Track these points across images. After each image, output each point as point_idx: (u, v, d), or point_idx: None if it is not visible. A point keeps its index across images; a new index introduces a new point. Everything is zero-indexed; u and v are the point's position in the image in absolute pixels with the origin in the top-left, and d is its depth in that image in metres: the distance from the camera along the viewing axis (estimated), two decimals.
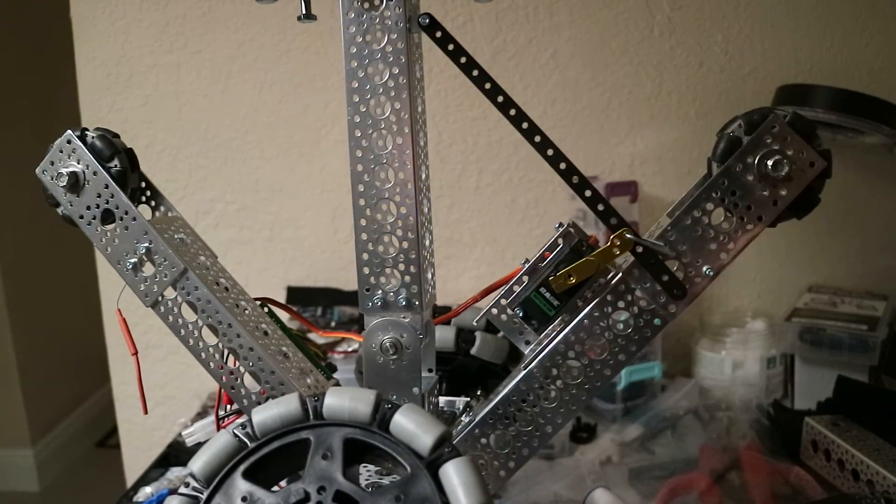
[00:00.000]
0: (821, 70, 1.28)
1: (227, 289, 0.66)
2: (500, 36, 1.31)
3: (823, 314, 1.17)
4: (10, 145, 2.55)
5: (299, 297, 1.38)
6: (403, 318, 0.61)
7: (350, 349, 1.08)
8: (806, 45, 1.28)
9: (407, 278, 0.60)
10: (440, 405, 0.69)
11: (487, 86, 0.57)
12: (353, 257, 0.61)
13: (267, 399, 0.62)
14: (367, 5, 0.57)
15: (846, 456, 0.89)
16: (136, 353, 0.67)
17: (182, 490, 0.49)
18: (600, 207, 0.57)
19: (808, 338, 1.12)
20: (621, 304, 0.58)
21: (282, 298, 1.38)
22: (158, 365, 1.45)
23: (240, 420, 0.64)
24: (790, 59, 1.28)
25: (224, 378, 0.63)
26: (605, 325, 0.58)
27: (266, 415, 0.50)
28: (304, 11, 0.65)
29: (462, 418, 0.65)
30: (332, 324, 1.32)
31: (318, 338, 0.93)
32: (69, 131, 0.64)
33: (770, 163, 0.55)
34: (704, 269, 0.57)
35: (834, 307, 1.20)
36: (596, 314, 0.58)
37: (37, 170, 0.64)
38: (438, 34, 0.57)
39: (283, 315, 0.71)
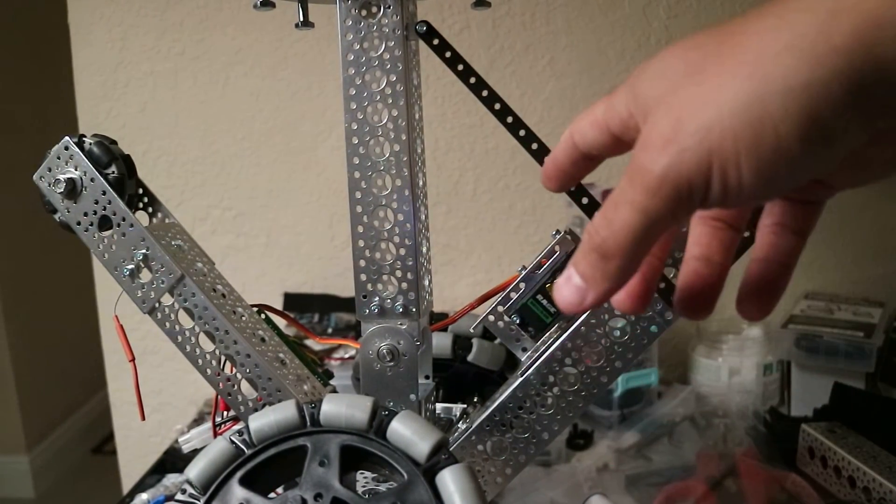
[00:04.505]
0: None
1: (224, 295, 0.66)
2: (498, 43, 1.32)
3: (820, 321, 1.17)
4: (6, 151, 2.55)
5: (296, 303, 1.38)
6: (400, 324, 0.61)
7: (347, 356, 1.08)
8: None
9: (404, 285, 0.60)
10: (437, 412, 0.69)
11: (484, 93, 0.57)
12: (350, 264, 0.61)
13: (264, 406, 0.62)
14: (364, 13, 0.57)
15: (843, 463, 0.89)
16: (133, 360, 0.67)
17: (179, 496, 0.50)
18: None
19: (805, 344, 1.12)
20: (618, 310, 0.58)
21: (279, 305, 1.38)
22: (155, 371, 1.45)
23: (236, 427, 0.64)
24: None
25: (221, 384, 0.63)
26: (602, 331, 0.58)
27: (263, 421, 0.50)
28: (301, 19, 0.65)
29: (459, 425, 0.65)
30: (329, 330, 1.32)
31: (314, 344, 0.93)
32: (66, 138, 0.64)
33: None
34: None
35: (830, 314, 1.20)
36: (592, 321, 0.58)
37: (34, 176, 0.64)
38: (436, 41, 0.58)
39: (280, 322, 0.71)
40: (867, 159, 0.36)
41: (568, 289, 0.38)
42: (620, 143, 0.40)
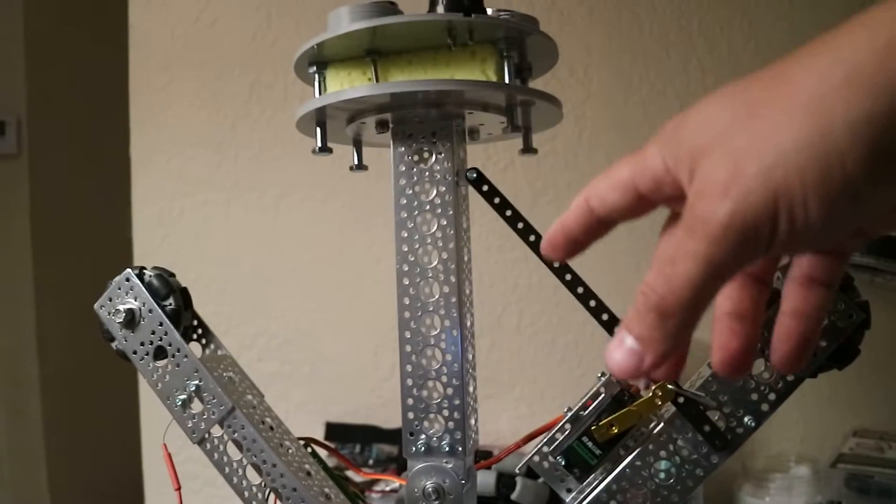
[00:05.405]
0: None
1: (272, 428, 0.67)
2: (541, 180, 1.35)
3: (870, 460, 1.14)
4: (66, 280, 2.61)
5: (338, 433, 1.38)
6: (446, 463, 0.61)
7: (388, 488, 1.08)
8: None
9: (451, 424, 0.60)
10: None
11: (531, 238, 0.59)
12: (394, 395, 0.61)
13: None
14: (416, 158, 0.60)
15: None
16: (178, 489, 0.68)
17: None
18: None
19: (855, 485, 1.09)
20: (663, 453, 0.58)
21: (320, 433, 1.38)
22: (195, 497, 1.45)
23: None
24: None
25: None
26: (647, 474, 0.58)
27: None
28: (356, 162, 0.68)
29: None
30: (370, 461, 1.31)
31: (355, 475, 0.93)
32: (128, 269, 0.66)
33: None
34: (746, 419, 0.58)
35: (881, 452, 1.17)
36: (638, 463, 0.58)
37: (95, 305, 0.66)
38: (485, 188, 0.60)
39: (323, 452, 0.72)
40: None
41: (621, 353, 0.36)
42: (644, 204, 0.39)
